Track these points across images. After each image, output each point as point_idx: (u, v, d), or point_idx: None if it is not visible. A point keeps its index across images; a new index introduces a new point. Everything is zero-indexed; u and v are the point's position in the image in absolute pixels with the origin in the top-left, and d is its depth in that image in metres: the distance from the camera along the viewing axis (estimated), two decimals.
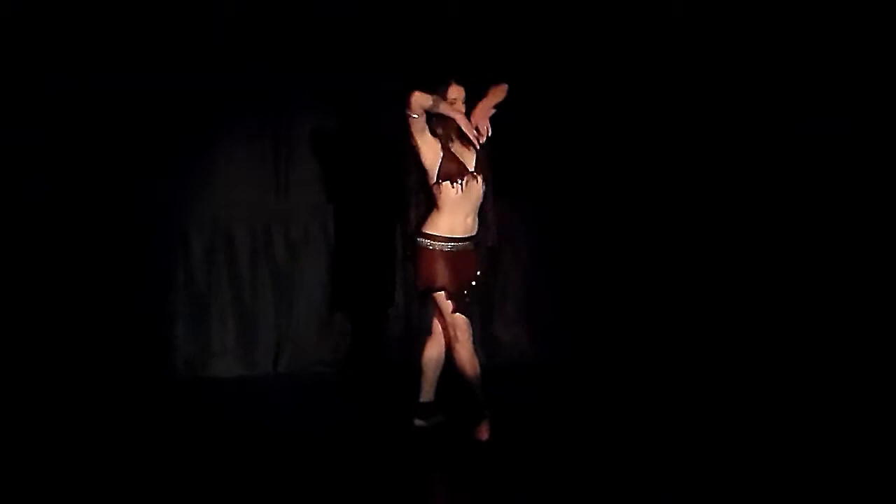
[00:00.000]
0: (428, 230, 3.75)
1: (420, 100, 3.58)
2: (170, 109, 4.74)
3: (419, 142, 3.70)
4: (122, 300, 4.75)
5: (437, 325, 3.91)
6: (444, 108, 3.62)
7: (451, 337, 3.80)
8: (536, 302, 5.31)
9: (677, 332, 5.00)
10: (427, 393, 3.97)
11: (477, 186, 3.75)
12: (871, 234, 4.59)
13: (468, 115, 3.66)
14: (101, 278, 4.71)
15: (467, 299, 3.79)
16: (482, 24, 4.90)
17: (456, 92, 3.71)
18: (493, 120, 3.71)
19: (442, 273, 3.72)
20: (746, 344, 4.83)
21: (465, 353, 3.77)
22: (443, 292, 3.74)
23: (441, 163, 3.72)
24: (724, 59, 4.83)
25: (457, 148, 3.76)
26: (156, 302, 4.87)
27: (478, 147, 3.69)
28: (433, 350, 3.93)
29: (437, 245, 3.73)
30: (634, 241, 5.13)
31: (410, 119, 3.64)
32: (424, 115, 3.65)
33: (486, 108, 3.67)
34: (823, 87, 4.64)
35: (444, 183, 3.71)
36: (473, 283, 3.82)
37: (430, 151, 3.72)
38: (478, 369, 3.79)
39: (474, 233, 3.80)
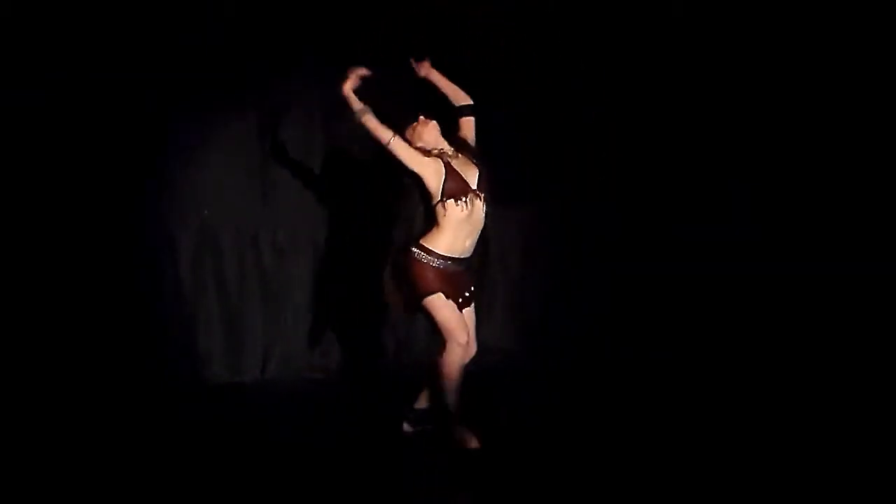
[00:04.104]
0: (426, 244, 3.66)
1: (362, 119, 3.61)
2: (156, 113, 4.69)
3: (416, 166, 3.62)
4: (107, 306, 4.66)
5: None
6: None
7: (442, 343, 3.65)
8: (524, 306, 5.28)
9: (668, 334, 4.97)
10: (423, 402, 3.91)
11: (480, 206, 3.68)
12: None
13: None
14: (86, 284, 4.62)
15: (460, 309, 3.72)
16: (481, 24, 4.91)
17: (424, 125, 3.68)
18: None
19: (435, 281, 3.62)
20: (742, 345, 4.79)
21: (453, 360, 3.61)
22: (439, 295, 3.61)
23: (445, 181, 3.63)
24: (725, 59, 4.83)
25: (459, 165, 3.70)
26: (142, 308, 4.77)
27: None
28: None
29: (429, 259, 3.63)
30: (624, 242, 5.11)
31: (389, 147, 3.58)
32: (389, 131, 3.59)
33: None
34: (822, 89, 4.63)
35: (448, 201, 3.63)
36: (467, 293, 3.77)
37: (433, 173, 3.63)
38: (458, 384, 3.63)
39: (469, 255, 3.74)
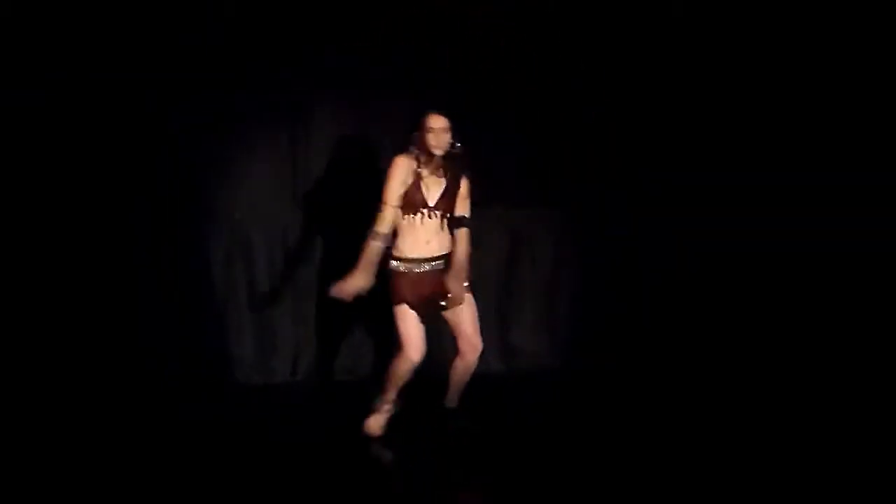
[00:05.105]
0: (394, 251, 3.77)
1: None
2: (186, 114, 4.70)
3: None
4: (138, 306, 4.70)
5: (456, 339, 3.88)
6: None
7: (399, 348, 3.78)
8: (554, 309, 5.27)
9: (698, 339, 4.95)
10: (451, 400, 3.99)
11: (433, 222, 3.75)
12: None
13: None
14: (116, 284, 4.65)
15: (445, 308, 3.77)
16: (481, 24, 4.91)
17: (435, 121, 3.68)
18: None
19: (405, 289, 3.73)
20: (779, 354, 4.76)
21: (402, 368, 3.76)
22: (403, 306, 3.75)
23: (406, 191, 3.69)
24: (725, 59, 4.85)
25: (426, 180, 3.73)
26: (173, 308, 4.78)
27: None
28: (457, 362, 3.91)
29: (398, 266, 3.75)
30: (654, 247, 5.10)
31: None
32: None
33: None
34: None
35: (399, 208, 3.71)
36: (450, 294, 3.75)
37: (401, 184, 3.70)
38: (400, 379, 3.79)
39: (443, 252, 3.78)
